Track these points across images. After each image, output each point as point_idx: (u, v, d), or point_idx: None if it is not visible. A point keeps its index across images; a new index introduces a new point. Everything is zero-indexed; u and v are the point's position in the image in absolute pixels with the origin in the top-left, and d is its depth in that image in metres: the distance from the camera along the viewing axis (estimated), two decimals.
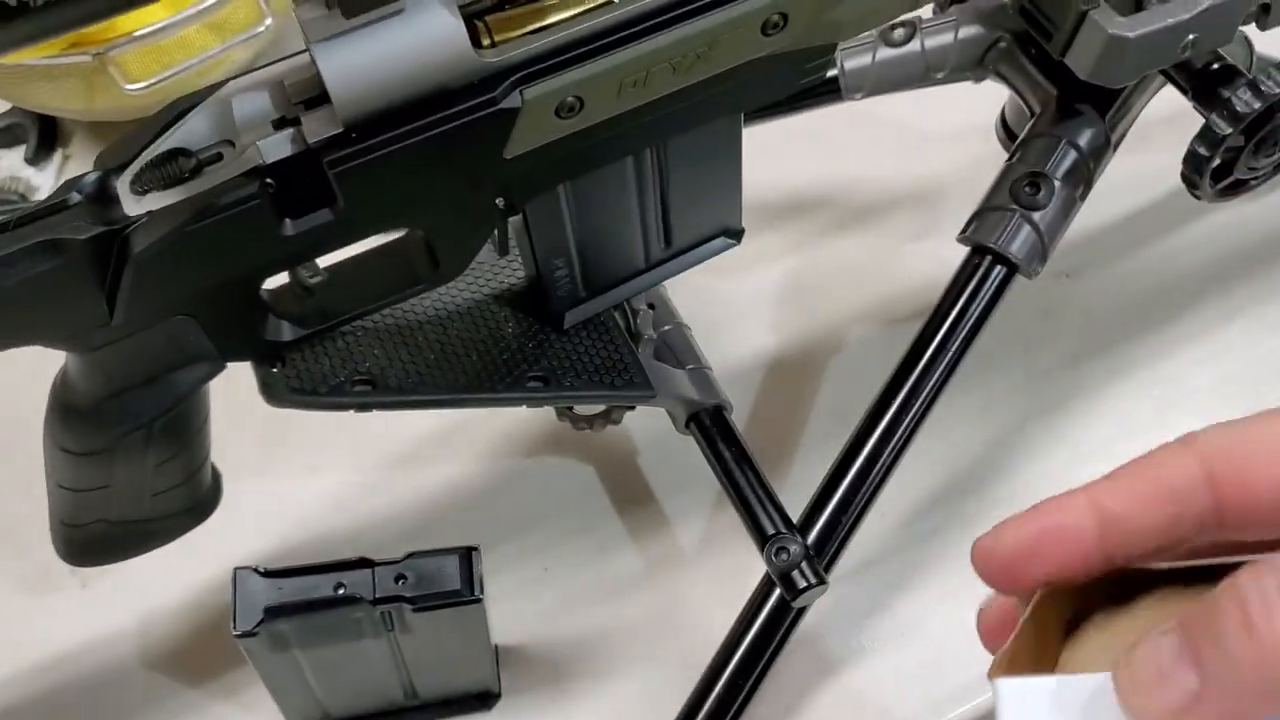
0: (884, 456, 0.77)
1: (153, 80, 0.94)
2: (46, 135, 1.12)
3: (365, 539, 0.90)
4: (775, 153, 0.98)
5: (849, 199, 1.08)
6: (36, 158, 1.11)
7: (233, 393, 0.71)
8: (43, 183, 1.12)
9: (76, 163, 1.14)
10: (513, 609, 0.86)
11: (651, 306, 0.83)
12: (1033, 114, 0.83)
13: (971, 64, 0.86)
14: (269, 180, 0.57)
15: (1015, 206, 0.79)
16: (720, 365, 0.85)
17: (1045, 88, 0.81)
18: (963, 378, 0.83)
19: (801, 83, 0.68)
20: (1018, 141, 0.82)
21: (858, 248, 1.05)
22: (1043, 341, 0.98)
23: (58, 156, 1.12)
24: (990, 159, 1.00)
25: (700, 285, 0.96)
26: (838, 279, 1.03)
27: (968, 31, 0.85)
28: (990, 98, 0.94)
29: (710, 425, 0.81)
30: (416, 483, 0.93)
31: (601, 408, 0.85)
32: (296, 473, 0.93)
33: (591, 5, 0.59)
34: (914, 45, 0.86)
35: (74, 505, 0.70)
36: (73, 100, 1.00)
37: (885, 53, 0.87)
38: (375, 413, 0.73)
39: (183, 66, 0.95)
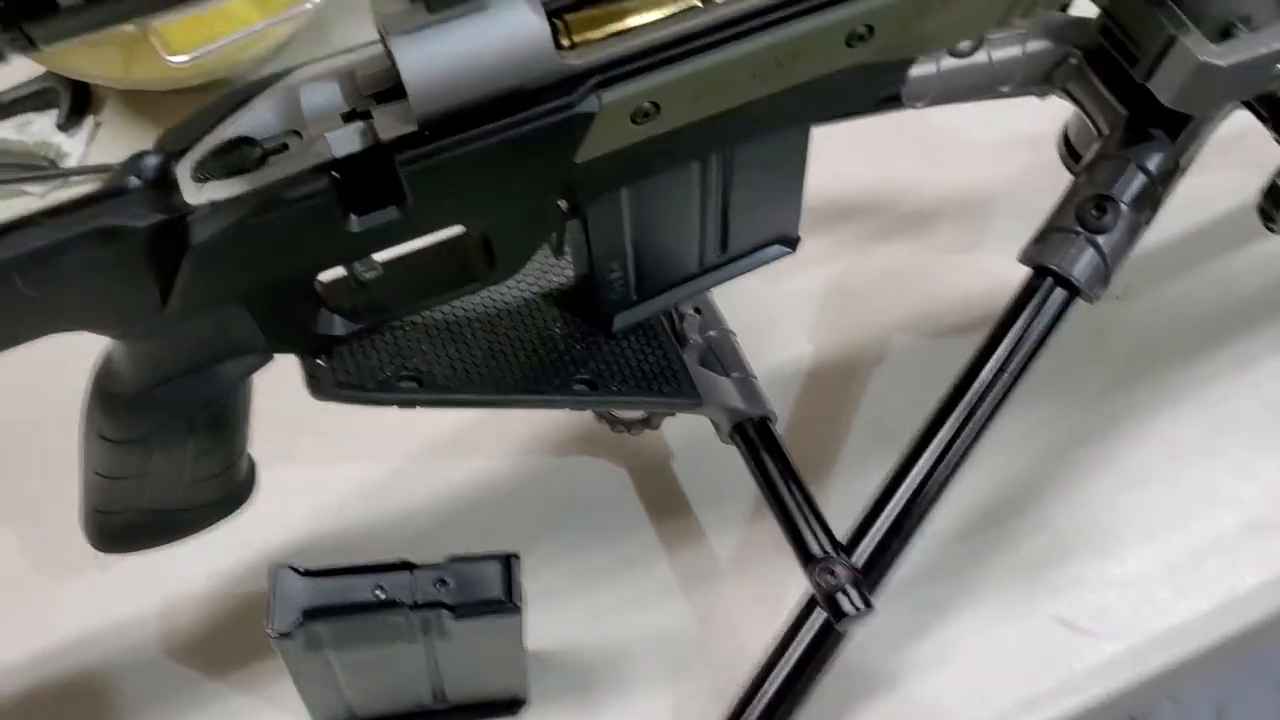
0: (935, 480, 0.76)
1: (195, 53, 0.92)
2: (79, 101, 1.09)
3: (393, 532, 0.88)
4: (822, 155, 0.96)
5: (895, 205, 1.06)
6: (68, 123, 1.09)
7: (264, 376, 0.69)
8: (73, 149, 1.09)
9: (108, 129, 1.11)
10: (541, 614, 0.83)
11: (698, 311, 0.82)
12: (1100, 134, 0.81)
13: (1038, 79, 0.84)
14: (335, 174, 0.55)
15: (1080, 229, 0.77)
16: (759, 369, 0.84)
17: (1115, 108, 0.80)
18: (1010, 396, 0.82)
19: (877, 96, 0.66)
20: (1083, 162, 0.80)
21: (902, 256, 1.03)
22: (1092, 363, 0.96)
23: (89, 123, 1.10)
24: (1041, 171, 0.98)
25: (742, 287, 0.94)
26: (881, 287, 1.01)
27: (1036, 45, 0.83)
28: (1041, 107, 0.92)
29: (755, 437, 0.79)
30: (447, 476, 0.91)
31: (643, 413, 0.83)
32: (327, 460, 0.91)
33: (676, 8, 0.57)
34: (980, 56, 0.84)
35: (108, 492, 0.68)
36: (110, 68, 0.98)
37: (950, 62, 0.85)
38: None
39: (226, 40, 0.93)
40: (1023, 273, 0.81)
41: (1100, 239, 0.77)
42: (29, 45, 0.43)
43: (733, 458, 0.82)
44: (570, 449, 0.92)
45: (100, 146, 1.11)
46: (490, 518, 0.89)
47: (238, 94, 0.57)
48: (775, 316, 0.99)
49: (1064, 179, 0.88)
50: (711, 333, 0.81)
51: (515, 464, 0.92)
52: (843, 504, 0.80)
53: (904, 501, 0.76)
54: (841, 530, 0.77)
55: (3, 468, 0.91)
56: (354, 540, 0.88)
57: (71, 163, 1.10)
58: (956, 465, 0.76)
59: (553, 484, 0.91)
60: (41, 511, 0.88)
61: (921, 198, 1.06)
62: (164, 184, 0.55)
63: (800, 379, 0.96)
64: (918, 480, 0.76)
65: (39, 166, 1.08)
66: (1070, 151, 0.89)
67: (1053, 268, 0.77)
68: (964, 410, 0.77)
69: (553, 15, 0.55)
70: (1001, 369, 0.77)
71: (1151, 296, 1.00)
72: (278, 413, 0.82)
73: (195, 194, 0.55)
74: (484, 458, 0.92)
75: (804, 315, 1.00)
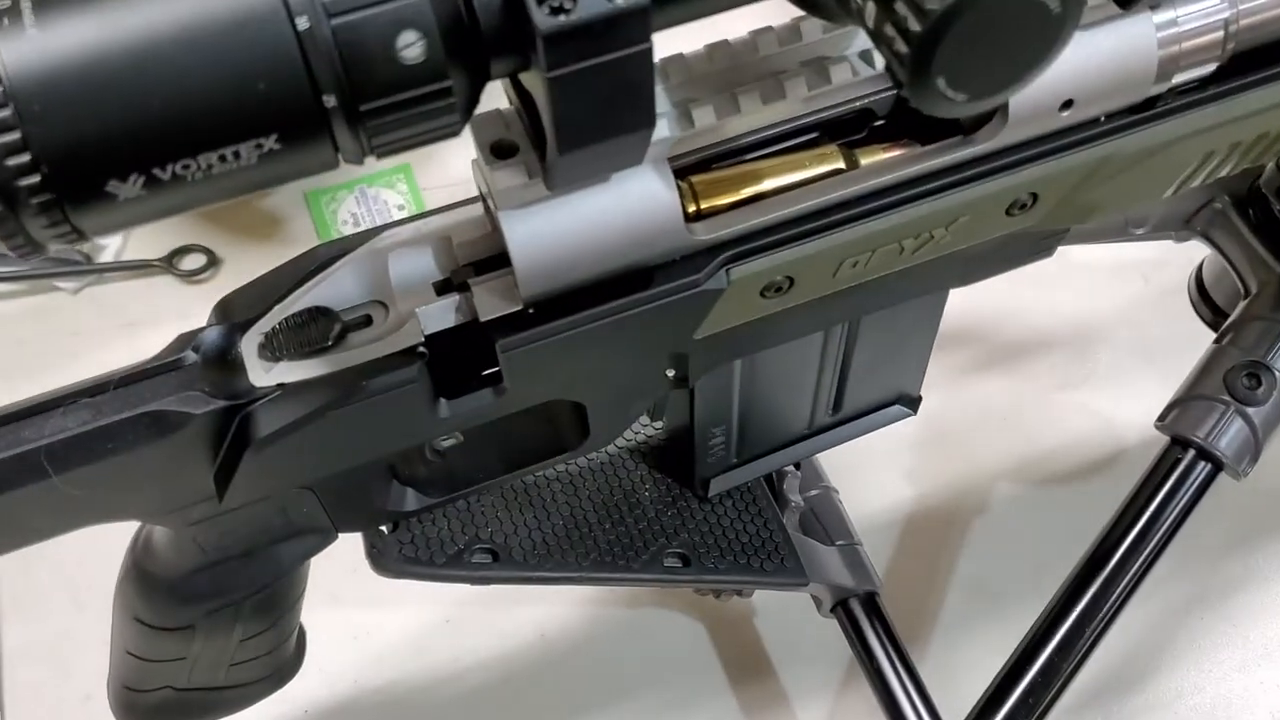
0: (1058, 675, 0.68)
1: None
2: None
3: (445, 689, 0.80)
4: None
5: (996, 333, 0.98)
6: None
7: None
8: (110, 241, 1.03)
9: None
10: None
11: (797, 468, 0.74)
12: (1246, 290, 0.73)
13: (1177, 223, 0.77)
14: (424, 352, 0.48)
15: (1229, 399, 0.69)
16: (854, 514, 0.76)
17: (1267, 264, 0.72)
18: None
19: (1030, 261, 0.59)
20: (1229, 321, 0.72)
21: (1005, 391, 0.95)
22: (1209, 520, 0.87)
23: None
24: (1151, 300, 0.91)
25: None
26: (982, 426, 0.93)
27: None
28: None
29: (861, 614, 0.71)
30: (504, 625, 0.84)
31: None
32: (374, 602, 0.83)
33: (817, 170, 0.49)
34: None
35: (141, 672, 0.61)
36: None
37: None
38: None
39: None
40: (1135, 417, 0.73)
41: (1251, 411, 0.69)
42: (77, 237, 0.36)
43: (819, 615, 0.74)
44: (643, 600, 0.84)
45: (140, 239, 1.05)
46: (552, 677, 0.81)
47: (313, 256, 0.49)
48: (871, 454, 0.90)
49: (1176, 309, 0.81)
50: (813, 492, 0.73)
51: (582, 615, 0.84)
52: (945, 671, 0.74)
53: (1021, 697, 0.67)
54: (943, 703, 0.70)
55: (31, 601, 0.84)
56: (400, 695, 0.80)
57: (108, 257, 1.03)
58: (1082, 659, 0.68)
59: (623, 639, 0.83)
60: (67, 653, 0.80)
61: (1022, 325, 0.98)
62: (225, 361, 0.48)
63: (897, 527, 0.88)
64: (1038, 674, 0.68)
65: (73, 261, 1.01)
66: (1203, 296, 0.81)
67: (1197, 440, 0.69)
68: (1092, 599, 0.69)
69: (679, 176, 0.48)
70: (1134, 551, 0.69)
71: (1273, 447, 0.91)
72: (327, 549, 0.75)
73: (262, 375, 0.47)
74: (547, 605, 0.84)
75: (902, 454, 0.92)
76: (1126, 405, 0.86)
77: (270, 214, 1.08)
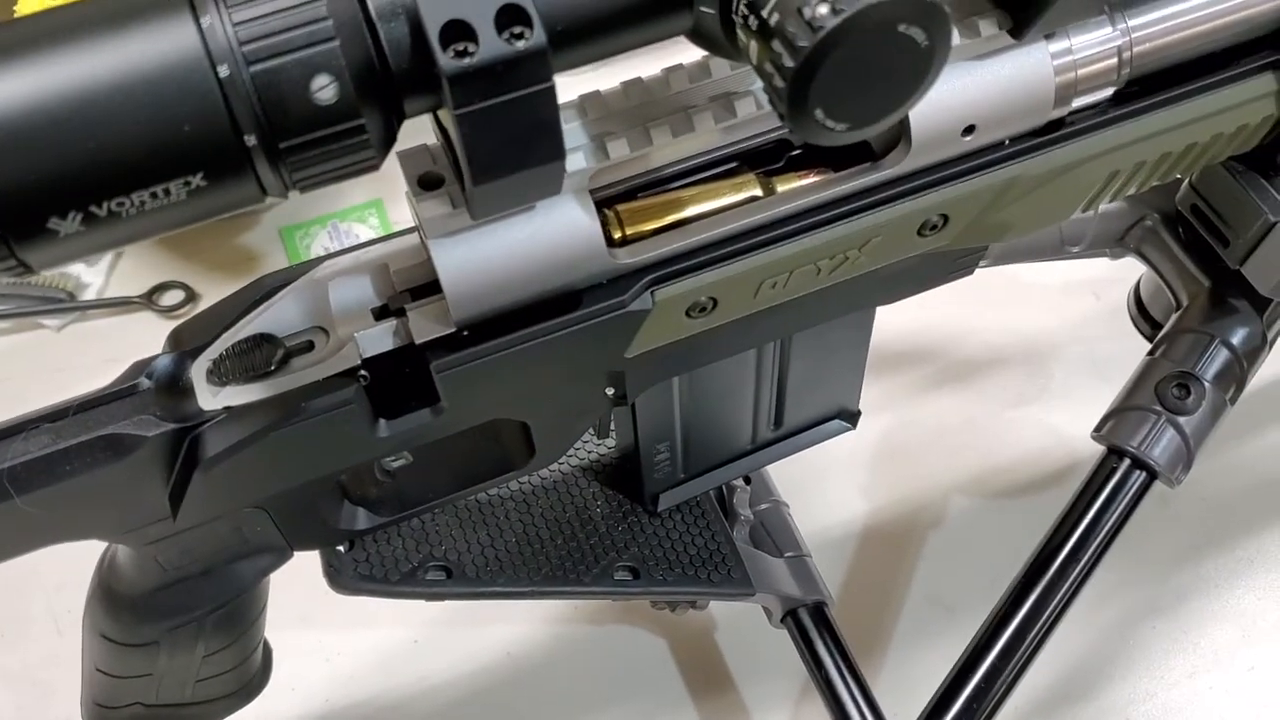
0: (1000, 683, 0.70)
1: None
2: None
3: (414, 707, 0.83)
4: None
5: (950, 352, 1.01)
6: None
7: None
8: (93, 280, 1.05)
9: (130, 259, 1.07)
10: None
11: (747, 482, 0.77)
12: (1178, 303, 0.76)
13: (1110, 240, 0.79)
14: (364, 376, 0.50)
15: (1160, 409, 0.72)
16: (809, 530, 0.79)
17: (1195, 277, 0.74)
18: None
19: (949, 278, 0.61)
20: (1161, 334, 0.75)
21: (958, 408, 0.98)
22: (1159, 530, 0.91)
23: (109, 254, 1.06)
24: (1102, 317, 0.94)
25: None
26: (936, 442, 0.96)
27: (1109, 206, 0.78)
28: None
29: (810, 624, 0.74)
30: (471, 644, 0.86)
31: None
32: (345, 623, 0.86)
33: (736, 198, 0.52)
34: None
35: (111, 689, 0.63)
36: None
37: None
38: None
39: None
40: (1087, 431, 0.75)
41: (1182, 420, 0.72)
42: (24, 270, 0.39)
43: (781, 630, 0.76)
44: (606, 617, 0.87)
45: (121, 277, 1.08)
46: (518, 693, 0.84)
47: (259, 286, 0.52)
48: (825, 471, 0.93)
49: (1126, 325, 0.84)
50: (763, 506, 0.76)
51: (546, 633, 0.86)
52: (901, 684, 0.76)
53: (966, 704, 0.70)
54: (899, 715, 0.72)
55: (12, 626, 0.86)
56: (372, 715, 0.82)
57: (90, 295, 1.06)
58: (1023, 667, 0.71)
59: (587, 656, 0.85)
60: (48, 678, 0.83)
61: (975, 344, 1.01)
62: (175, 387, 0.51)
63: (852, 542, 0.91)
64: (980, 683, 0.70)
65: (56, 299, 1.04)
66: (1141, 312, 0.83)
67: (1131, 450, 0.72)
68: (1032, 606, 0.71)
69: (604, 206, 0.51)
70: (1073, 558, 0.72)
71: (1220, 459, 0.94)
72: (296, 569, 0.77)
73: (210, 399, 0.50)
74: (513, 625, 0.86)
75: (856, 470, 0.94)
76: (1079, 420, 0.88)
77: (246, 250, 1.11)
